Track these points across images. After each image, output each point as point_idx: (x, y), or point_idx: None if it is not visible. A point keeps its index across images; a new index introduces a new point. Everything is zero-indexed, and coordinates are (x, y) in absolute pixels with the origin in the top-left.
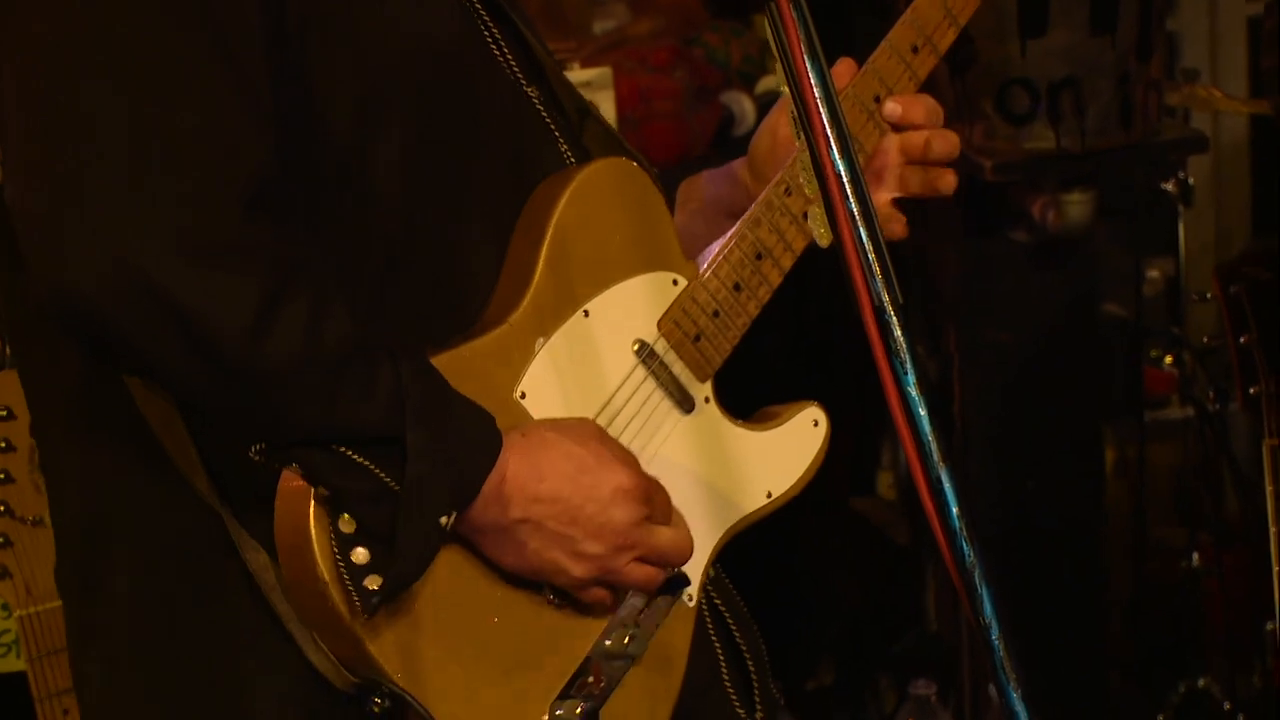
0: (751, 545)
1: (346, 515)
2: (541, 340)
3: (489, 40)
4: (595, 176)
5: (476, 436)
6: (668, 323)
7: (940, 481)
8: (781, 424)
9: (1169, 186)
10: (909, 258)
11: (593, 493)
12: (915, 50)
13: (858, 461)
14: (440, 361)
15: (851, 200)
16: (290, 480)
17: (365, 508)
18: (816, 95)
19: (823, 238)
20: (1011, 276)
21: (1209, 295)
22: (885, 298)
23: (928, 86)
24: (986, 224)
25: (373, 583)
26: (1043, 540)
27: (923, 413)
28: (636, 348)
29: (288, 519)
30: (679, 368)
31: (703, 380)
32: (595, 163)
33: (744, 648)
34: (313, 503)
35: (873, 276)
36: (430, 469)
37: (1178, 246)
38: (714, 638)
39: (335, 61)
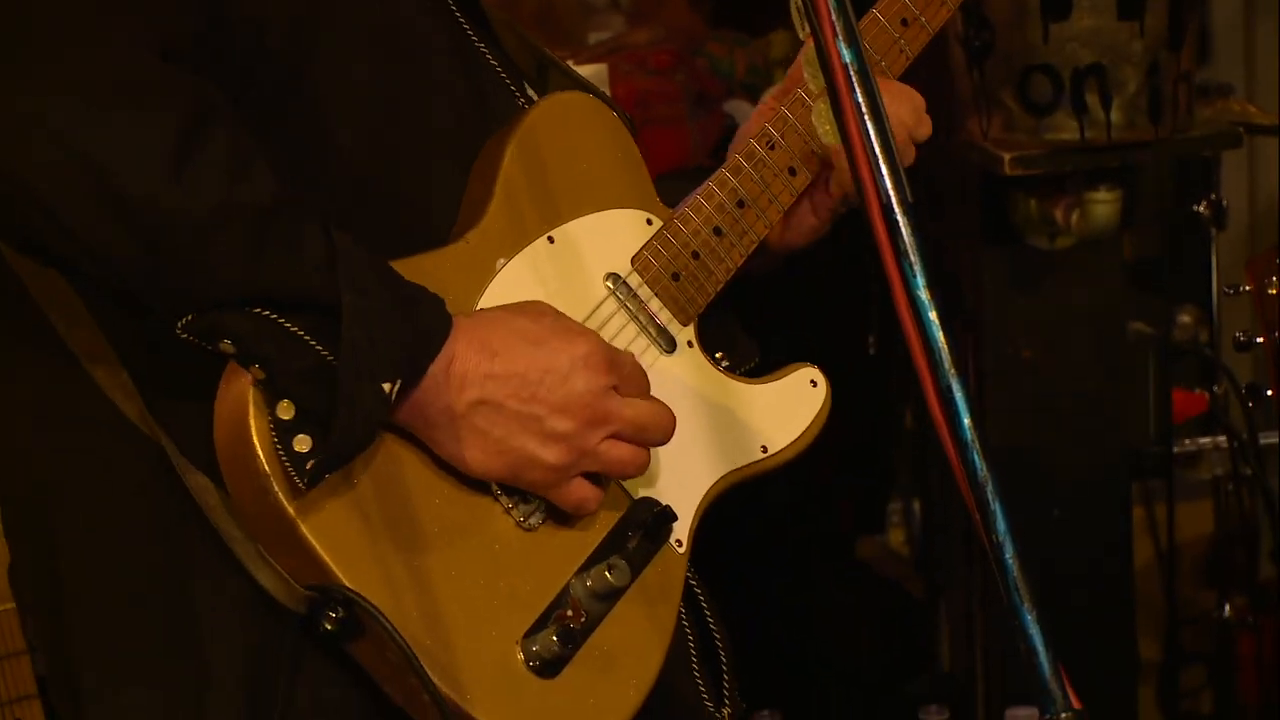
0: (759, 585)
1: (285, 401)
2: (502, 261)
3: None
4: (557, 106)
5: (422, 308)
6: (643, 258)
7: (950, 390)
8: (776, 380)
9: (1201, 209)
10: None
11: (550, 363)
12: (905, 24)
13: (869, 502)
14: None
15: (859, 92)
16: (230, 380)
17: (303, 387)
18: None
19: (828, 134)
20: (1033, 288)
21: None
22: (893, 195)
23: (943, 74)
24: (1006, 229)
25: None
26: (1068, 581)
27: (933, 317)
28: (609, 280)
29: (227, 419)
30: (656, 305)
31: (685, 323)
32: (558, 94)
33: (719, 640)
34: (251, 395)
35: (880, 173)
36: (368, 334)
37: (1210, 274)
38: (687, 624)
39: None
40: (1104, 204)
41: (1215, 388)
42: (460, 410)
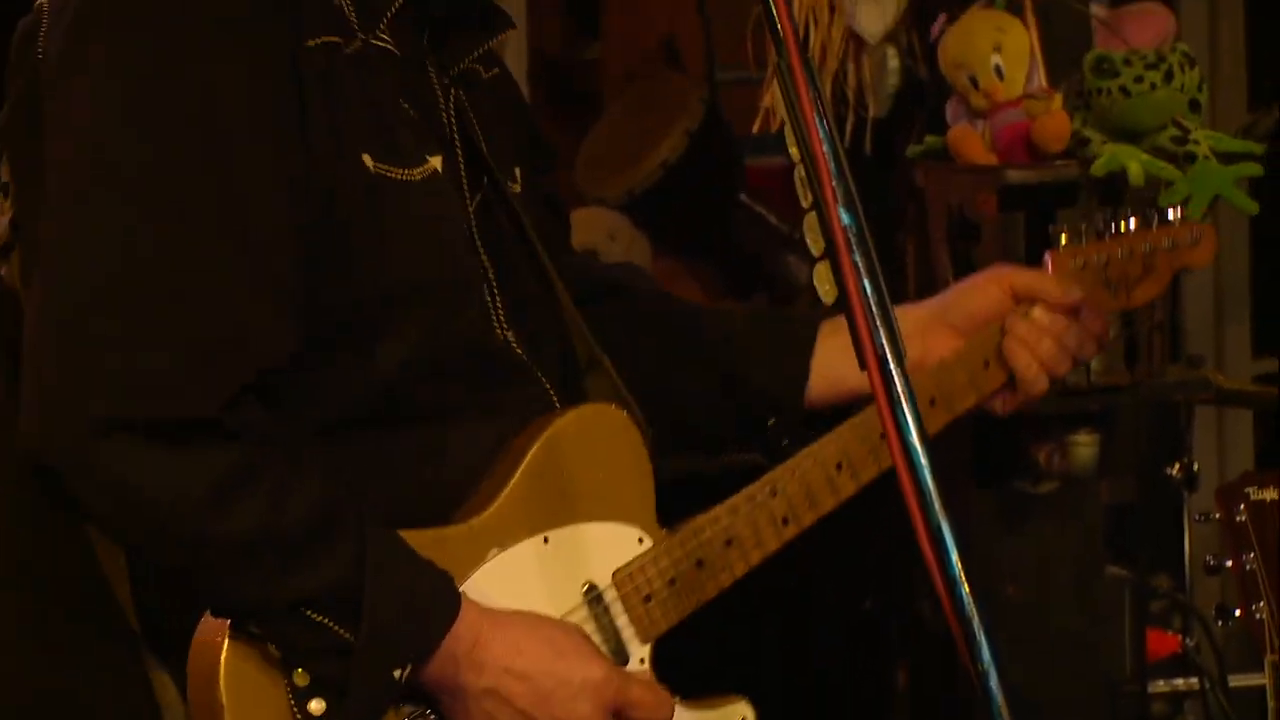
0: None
1: (300, 669)
2: (496, 550)
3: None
4: (591, 417)
5: (435, 592)
6: (623, 575)
7: (940, 530)
8: (708, 710)
9: (1173, 471)
10: None
11: (566, 675)
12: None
13: None
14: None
15: (856, 253)
16: (205, 635)
17: (319, 662)
18: (825, 151)
19: (827, 294)
20: (1019, 528)
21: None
22: (888, 348)
23: None
24: (994, 473)
25: None
26: None
27: (924, 461)
28: (585, 589)
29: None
30: (623, 621)
31: (644, 641)
32: (595, 406)
33: None
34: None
35: (876, 328)
36: (384, 623)
37: (1182, 544)
38: None
39: (366, 259)
40: (1084, 446)
41: (1188, 639)
42: (471, 691)
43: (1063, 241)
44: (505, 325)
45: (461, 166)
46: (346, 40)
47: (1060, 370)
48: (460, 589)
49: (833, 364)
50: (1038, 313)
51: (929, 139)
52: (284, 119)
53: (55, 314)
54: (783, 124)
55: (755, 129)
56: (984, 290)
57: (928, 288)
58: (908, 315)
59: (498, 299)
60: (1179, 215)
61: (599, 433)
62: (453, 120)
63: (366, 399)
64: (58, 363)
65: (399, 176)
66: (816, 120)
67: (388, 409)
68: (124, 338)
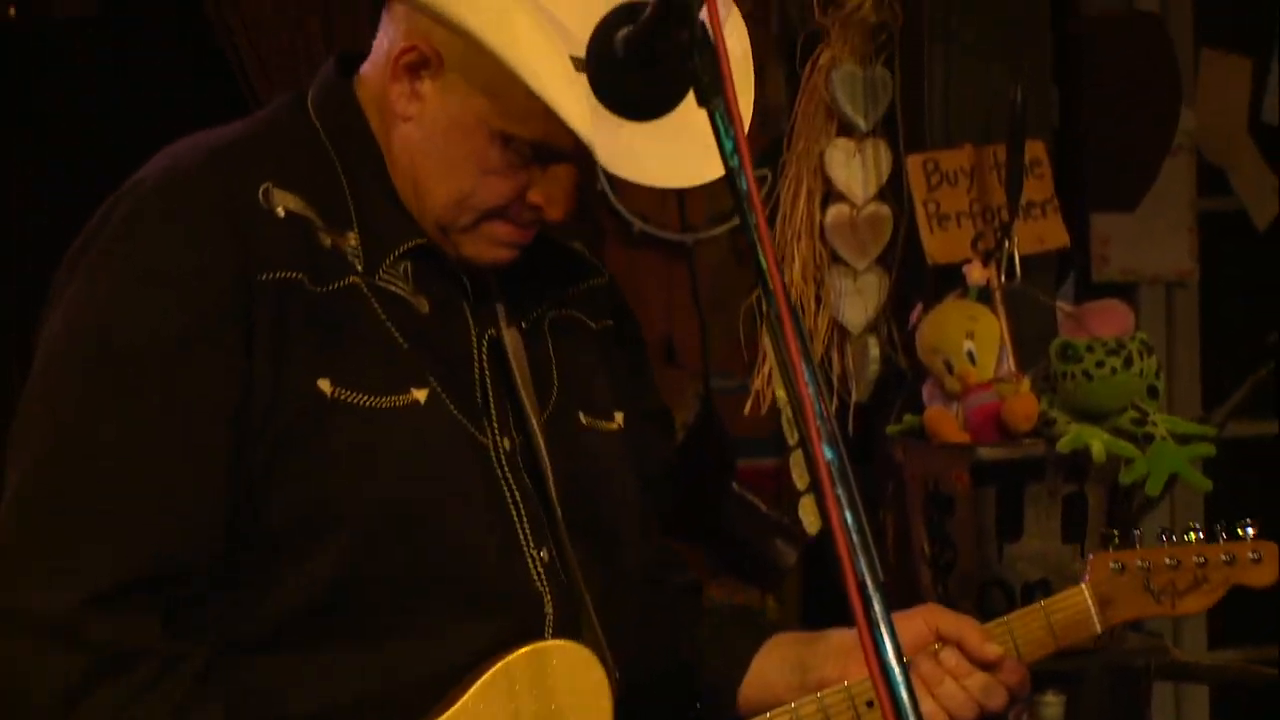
0: None
1: None
2: None
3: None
4: (558, 652)
5: None
6: None
7: None
8: None
9: None
10: None
11: None
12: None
13: None
14: None
15: (839, 486)
16: None
17: None
18: (809, 393)
19: (812, 525)
20: None
21: None
22: (868, 574)
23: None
24: None
25: None
26: None
27: (900, 681)
28: None
29: None
30: None
31: None
32: (565, 644)
33: None
34: None
35: (857, 555)
36: None
37: None
38: None
39: (312, 477)
40: (1051, 706)
41: None
42: None
43: (1114, 543)
44: (530, 547)
45: (491, 404)
46: (317, 277)
47: (961, 713)
48: None
49: (767, 671)
50: (946, 654)
51: (907, 418)
52: (222, 346)
53: None
54: (777, 427)
55: (746, 410)
56: (910, 623)
57: (905, 560)
58: (831, 640)
59: (525, 524)
60: (1250, 534)
61: (564, 670)
62: (484, 360)
63: (308, 612)
64: None
65: (363, 403)
66: (802, 363)
67: (330, 624)
68: (18, 533)
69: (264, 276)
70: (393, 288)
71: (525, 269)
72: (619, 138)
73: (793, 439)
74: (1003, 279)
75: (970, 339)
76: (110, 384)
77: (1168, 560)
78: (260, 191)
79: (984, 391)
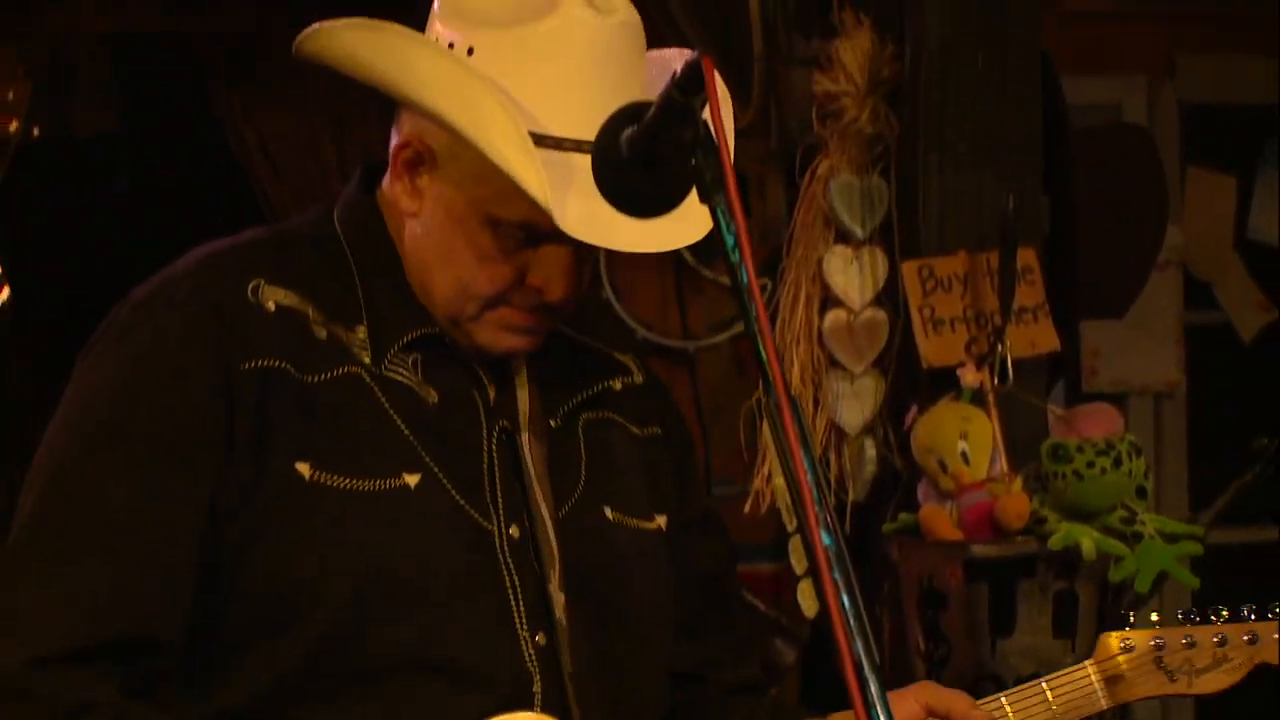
0: None
1: None
2: None
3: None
4: None
5: None
6: None
7: None
8: None
9: None
10: None
11: None
12: None
13: None
14: None
15: (836, 571)
16: None
17: None
18: (807, 480)
19: (810, 609)
20: None
21: None
22: (864, 657)
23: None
24: None
25: None
26: None
27: None
28: None
29: None
30: None
31: None
32: (530, 715)
33: None
34: None
35: (853, 638)
36: None
37: None
38: None
39: (290, 556)
40: None
41: None
42: None
43: (1130, 622)
44: (523, 629)
45: (499, 493)
46: (306, 366)
47: None
48: None
49: None
50: None
51: (903, 517)
52: (201, 432)
53: None
54: (776, 533)
55: (746, 509)
56: (903, 701)
57: (901, 655)
58: None
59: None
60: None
61: None
62: (494, 450)
63: (281, 685)
64: None
65: (343, 486)
66: (800, 450)
67: (303, 694)
68: None
69: (247, 365)
70: (399, 377)
71: (559, 368)
72: (588, 208)
73: (791, 525)
74: (995, 382)
75: (964, 440)
76: (87, 462)
77: (1184, 639)
78: (250, 289)
79: (977, 490)
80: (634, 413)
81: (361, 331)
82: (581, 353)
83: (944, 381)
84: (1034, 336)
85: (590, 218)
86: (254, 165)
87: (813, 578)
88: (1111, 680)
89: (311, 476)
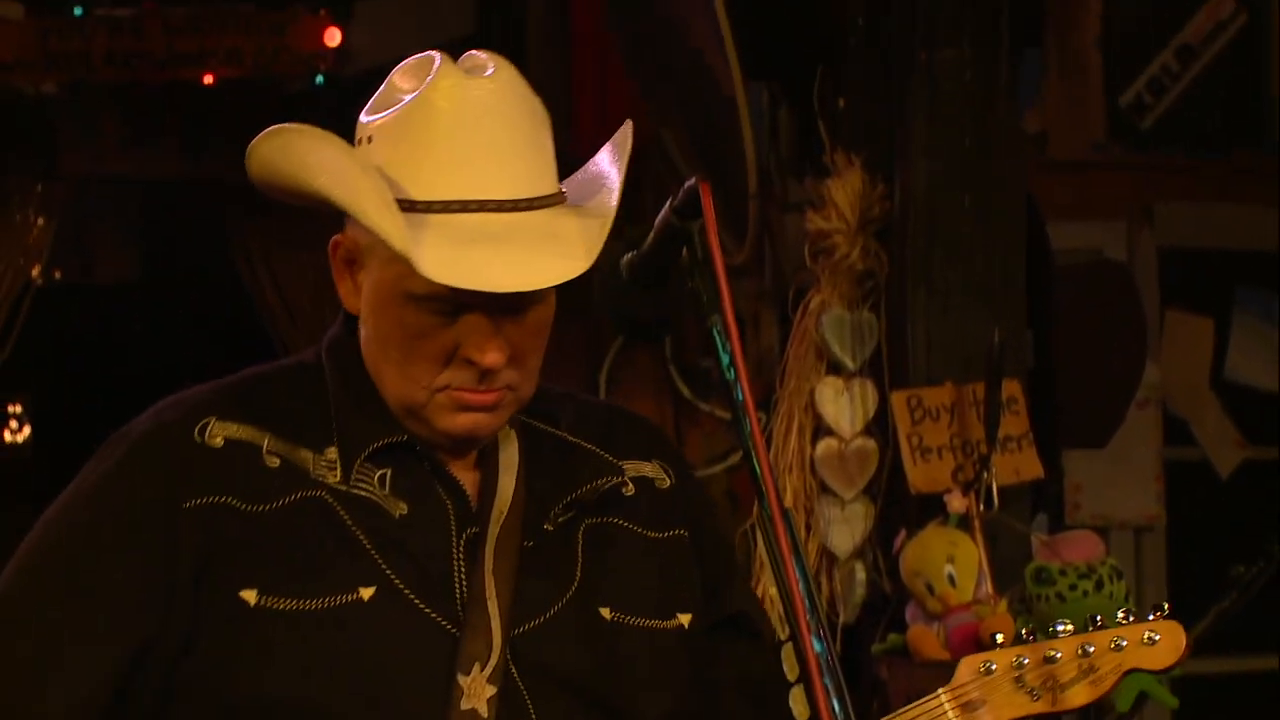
0: None
1: None
2: None
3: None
4: None
5: None
6: None
7: None
8: None
9: None
10: None
11: None
12: None
13: None
14: None
15: (826, 677)
16: None
17: None
18: (799, 590)
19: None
20: None
21: None
22: None
23: None
24: None
25: None
26: None
27: None
28: None
29: None
30: None
31: None
32: None
33: None
34: None
35: None
36: None
37: None
38: None
39: (206, 688)
40: None
41: None
42: None
43: (998, 641)
44: None
45: (459, 604)
46: (253, 497)
47: None
48: None
49: None
50: None
51: (891, 637)
52: (140, 563)
53: None
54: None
55: None
56: None
57: None
58: None
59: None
60: (1154, 616)
61: None
62: (461, 555)
63: None
64: None
65: (289, 608)
66: (792, 559)
67: None
68: None
69: (189, 504)
70: (364, 493)
71: (555, 473)
72: (451, 255)
73: (784, 634)
74: (981, 508)
75: (951, 563)
76: (32, 573)
77: (1047, 654)
78: (197, 429)
79: (964, 612)
80: (651, 517)
81: (331, 452)
82: (584, 457)
83: (932, 507)
84: (1018, 464)
85: (451, 263)
86: (269, 309)
87: (804, 684)
88: (968, 707)
89: (258, 602)
